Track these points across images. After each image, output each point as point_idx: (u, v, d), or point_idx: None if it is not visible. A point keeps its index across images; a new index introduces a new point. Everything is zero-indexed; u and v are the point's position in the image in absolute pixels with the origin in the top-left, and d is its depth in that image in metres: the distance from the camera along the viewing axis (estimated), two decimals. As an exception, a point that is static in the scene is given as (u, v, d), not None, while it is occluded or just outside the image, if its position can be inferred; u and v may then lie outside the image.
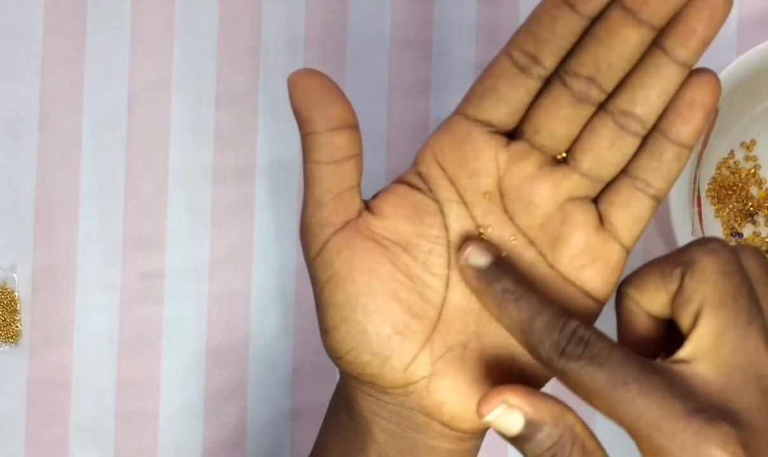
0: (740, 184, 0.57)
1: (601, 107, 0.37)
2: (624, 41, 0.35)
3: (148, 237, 0.59)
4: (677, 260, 0.35)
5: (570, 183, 0.37)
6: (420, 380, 0.38)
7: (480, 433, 0.40)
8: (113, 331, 0.58)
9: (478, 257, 0.37)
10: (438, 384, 0.38)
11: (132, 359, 0.58)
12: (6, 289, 0.58)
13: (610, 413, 0.34)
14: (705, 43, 0.35)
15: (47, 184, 0.59)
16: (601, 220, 0.38)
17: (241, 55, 0.59)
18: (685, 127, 0.36)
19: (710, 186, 0.57)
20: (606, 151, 0.37)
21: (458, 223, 0.38)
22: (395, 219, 0.38)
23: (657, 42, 0.36)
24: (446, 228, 0.38)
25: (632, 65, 0.36)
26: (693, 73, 0.36)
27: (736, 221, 0.57)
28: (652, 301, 0.36)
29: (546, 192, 0.38)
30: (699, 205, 0.56)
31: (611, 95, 0.37)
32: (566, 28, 0.36)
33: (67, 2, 0.59)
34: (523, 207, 0.38)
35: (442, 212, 0.38)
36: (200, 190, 0.59)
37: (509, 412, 0.35)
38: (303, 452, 0.58)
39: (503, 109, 0.37)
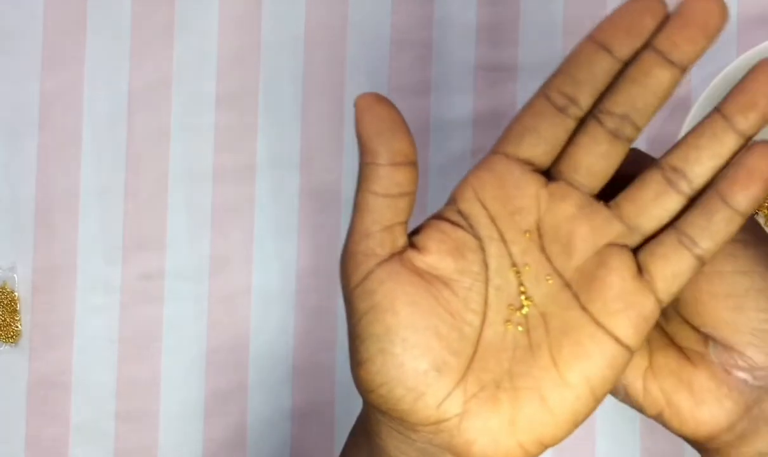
0: (740, 184, 0.57)
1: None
2: (657, 81, 0.36)
3: (148, 237, 0.59)
4: None
5: (610, 229, 0.37)
6: (452, 418, 0.37)
7: None
8: (113, 331, 0.58)
9: None
10: (469, 423, 0.37)
11: (132, 359, 0.58)
12: (6, 289, 0.58)
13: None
14: (766, 118, 0.36)
15: (47, 184, 0.59)
16: (640, 270, 0.37)
17: (241, 55, 0.59)
18: (742, 193, 0.36)
19: (710, 186, 0.57)
20: (650, 203, 0.37)
21: (496, 260, 0.38)
22: (439, 255, 0.38)
23: (718, 108, 0.37)
24: (486, 265, 0.38)
25: (664, 103, 0.37)
26: (755, 143, 0.36)
27: (736, 221, 0.57)
28: None
29: (585, 235, 0.37)
30: (699, 205, 0.56)
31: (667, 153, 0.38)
32: (603, 70, 0.37)
33: (67, 2, 0.59)
34: (561, 248, 0.38)
35: (482, 249, 0.38)
36: (200, 190, 0.59)
37: None
38: (303, 452, 0.58)
39: (542, 148, 0.38)
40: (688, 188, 0.37)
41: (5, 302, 0.58)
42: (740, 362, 0.38)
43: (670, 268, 0.36)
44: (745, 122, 0.36)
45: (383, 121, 0.37)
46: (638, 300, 0.37)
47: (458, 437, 0.37)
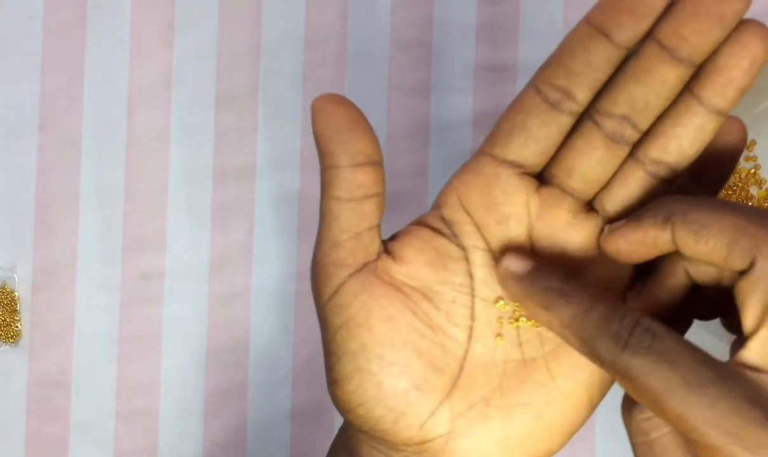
0: (740, 184, 0.57)
1: (631, 154, 0.35)
2: (662, 79, 0.33)
3: (148, 237, 0.59)
4: (754, 236, 0.31)
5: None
6: (437, 438, 0.35)
7: None
8: (113, 331, 0.58)
9: (517, 263, 0.34)
10: (457, 444, 0.35)
11: (132, 359, 0.58)
12: (6, 289, 0.58)
13: (680, 419, 0.30)
14: (743, 92, 0.33)
15: (47, 184, 0.59)
16: None
17: (241, 55, 0.59)
18: (713, 173, 0.35)
19: (710, 186, 0.57)
20: (637, 201, 0.35)
21: (483, 271, 0.35)
22: (417, 264, 0.35)
23: (691, 89, 0.33)
24: (471, 276, 0.36)
25: (669, 103, 0.34)
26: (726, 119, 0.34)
27: (736, 221, 0.57)
28: (702, 266, 0.32)
29: (581, 242, 0.35)
30: (699, 205, 0.56)
31: (642, 139, 0.35)
32: (601, 59, 0.33)
33: (67, 2, 0.59)
34: (556, 257, 0.35)
35: (467, 259, 0.36)
36: (200, 190, 0.59)
37: None
38: (303, 452, 0.58)
39: (533, 148, 0.35)
40: (672, 176, 0.34)
41: (5, 302, 0.58)
42: None
43: None
44: (723, 102, 0.33)
45: (340, 121, 0.34)
46: None
47: None
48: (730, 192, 0.57)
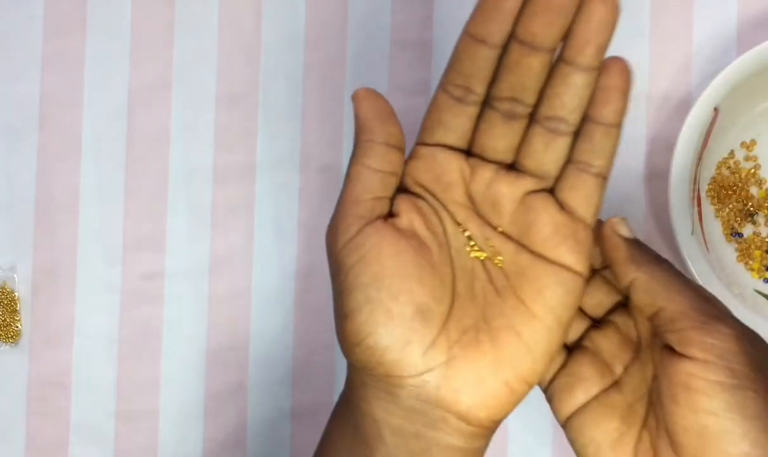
0: (740, 184, 0.57)
1: (532, 118, 0.42)
2: (527, 67, 0.40)
3: (148, 237, 0.59)
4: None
5: (524, 181, 0.42)
6: (437, 365, 0.40)
7: (492, 428, 0.41)
8: (113, 331, 0.58)
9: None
10: (455, 370, 0.40)
11: (132, 359, 0.58)
12: (6, 289, 0.58)
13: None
14: (602, 47, 0.39)
15: (47, 184, 0.59)
16: (562, 206, 0.41)
17: (241, 55, 0.59)
18: (606, 108, 0.40)
19: (710, 186, 0.57)
20: (542, 153, 0.41)
21: (450, 226, 0.42)
22: (410, 215, 0.42)
23: (562, 56, 0.40)
24: (445, 230, 0.42)
25: (543, 79, 0.41)
26: (604, 64, 0.40)
27: (736, 221, 0.57)
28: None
29: (505, 191, 0.42)
30: (699, 205, 0.56)
31: (537, 104, 0.41)
32: (484, 59, 0.40)
33: (67, 2, 0.59)
34: (491, 208, 0.42)
35: (439, 216, 0.42)
36: (200, 190, 0.59)
37: None
38: (303, 452, 0.58)
39: (452, 136, 0.42)
40: (567, 127, 0.41)
41: (5, 302, 0.58)
42: None
43: (581, 193, 0.41)
44: (586, 59, 0.39)
45: (380, 109, 0.41)
46: (570, 230, 0.41)
47: (445, 387, 0.40)
48: (730, 192, 0.57)
